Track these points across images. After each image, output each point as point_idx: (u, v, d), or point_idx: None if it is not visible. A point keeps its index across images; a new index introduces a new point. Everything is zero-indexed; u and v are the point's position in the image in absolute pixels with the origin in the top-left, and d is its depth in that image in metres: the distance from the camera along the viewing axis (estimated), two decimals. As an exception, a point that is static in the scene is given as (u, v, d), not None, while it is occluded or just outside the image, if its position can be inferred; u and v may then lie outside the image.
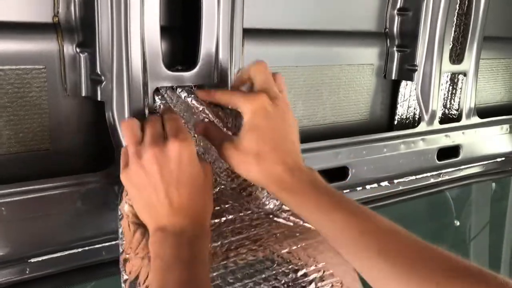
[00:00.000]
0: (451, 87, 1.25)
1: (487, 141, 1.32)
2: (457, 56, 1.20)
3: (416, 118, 1.19)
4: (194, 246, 0.62)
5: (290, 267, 0.76)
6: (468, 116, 1.25)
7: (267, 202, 0.78)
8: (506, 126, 1.35)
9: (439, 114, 1.19)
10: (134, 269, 0.67)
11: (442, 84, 1.19)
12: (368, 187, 1.12)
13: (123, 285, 0.68)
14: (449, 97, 1.25)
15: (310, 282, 0.76)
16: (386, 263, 0.59)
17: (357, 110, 1.14)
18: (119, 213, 0.68)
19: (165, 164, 0.62)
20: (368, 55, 1.13)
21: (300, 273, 0.76)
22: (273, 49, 0.97)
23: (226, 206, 0.75)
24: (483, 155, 1.34)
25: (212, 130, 0.71)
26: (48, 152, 0.76)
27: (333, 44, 1.07)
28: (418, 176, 1.21)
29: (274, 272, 0.75)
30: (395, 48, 1.14)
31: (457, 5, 1.16)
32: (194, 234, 0.63)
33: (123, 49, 0.69)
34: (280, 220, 0.79)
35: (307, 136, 1.05)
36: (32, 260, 0.71)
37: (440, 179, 1.28)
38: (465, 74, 1.21)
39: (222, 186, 0.76)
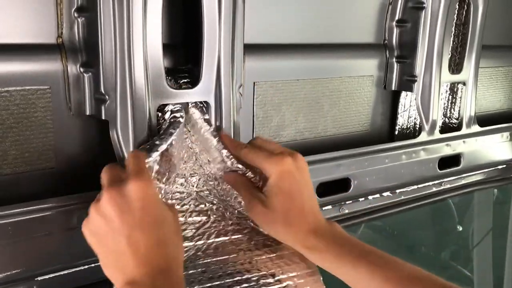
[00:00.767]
0: (450, 97, 1.26)
1: (488, 149, 1.33)
2: (456, 66, 1.21)
3: (417, 128, 1.20)
4: None
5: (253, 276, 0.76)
6: (468, 125, 1.26)
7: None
8: (506, 134, 1.36)
9: (439, 123, 1.20)
10: None
11: (441, 94, 1.20)
12: (370, 197, 1.13)
13: None
14: (449, 106, 1.26)
15: None
16: None
17: (358, 121, 1.15)
18: None
19: (124, 206, 0.57)
20: (367, 67, 1.14)
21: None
22: (274, 64, 0.98)
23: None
24: (484, 163, 1.35)
25: (244, 184, 0.73)
26: (53, 171, 0.77)
27: (333, 57, 1.08)
28: (420, 186, 1.22)
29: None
30: (394, 59, 1.15)
31: (455, 15, 1.17)
32: (169, 283, 0.57)
33: (127, 68, 0.70)
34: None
35: (308, 148, 1.06)
36: (40, 278, 0.72)
37: (442, 187, 1.29)
38: (464, 83, 1.22)
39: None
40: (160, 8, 0.70)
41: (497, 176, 1.44)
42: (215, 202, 0.78)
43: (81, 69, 0.74)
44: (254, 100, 0.96)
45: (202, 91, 0.78)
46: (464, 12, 1.19)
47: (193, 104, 0.77)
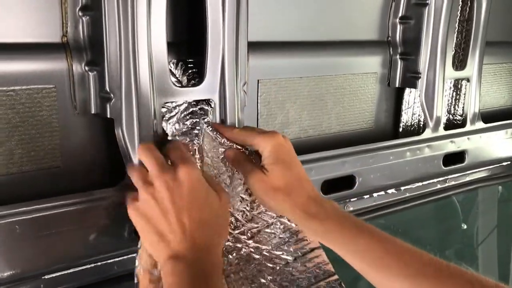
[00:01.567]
0: (454, 93, 1.25)
1: (492, 145, 1.33)
2: (460, 62, 1.21)
3: (421, 125, 1.20)
4: (208, 275, 0.61)
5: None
6: (472, 122, 1.25)
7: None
8: (510, 130, 1.35)
9: (443, 120, 1.19)
10: None
11: (445, 90, 1.20)
12: (375, 195, 1.13)
13: None
14: (453, 103, 1.26)
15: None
16: (406, 281, 0.63)
17: (362, 118, 1.15)
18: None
19: (176, 190, 0.63)
20: (371, 64, 1.14)
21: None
22: (278, 61, 0.98)
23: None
24: (489, 160, 1.34)
25: (243, 159, 0.76)
26: (59, 169, 0.77)
27: (336, 54, 1.08)
28: (424, 183, 1.22)
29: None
30: (398, 56, 1.15)
31: (459, 11, 1.17)
32: (209, 261, 0.63)
33: (131, 66, 0.70)
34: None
35: (313, 146, 1.06)
36: (47, 276, 0.72)
37: (446, 184, 1.29)
38: (468, 80, 1.22)
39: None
40: (164, 6, 0.70)
41: (502, 173, 1.44)
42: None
43: (86, 68, 0.74)
44: (258, 98, 0.96)
45: (207, 89, 0.78)
46: (468, 9, 1.19)
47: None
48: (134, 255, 0.69)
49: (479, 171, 1.35)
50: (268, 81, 0.97)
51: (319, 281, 0.76)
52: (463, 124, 1.25)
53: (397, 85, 1.16)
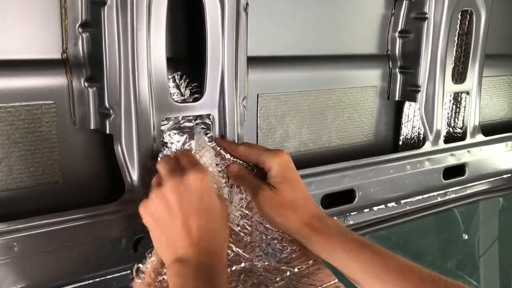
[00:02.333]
0: (454, 106, 1.25)
1: (493, 158, 1.33)
2: (459, 76, 1.21)
3: (421, 138, 1.20)
4: (213, 278, 0.62)
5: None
6: (472, 135, 1.25)
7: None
8: (511, 143, 1.35)
9: (443, 133, 1.19)
10: None
11: (445, 103, 1.20)
12: (375, 208, 1.12)
13: None
14: (453, 116, 1.26)
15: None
16: None
17: (362, 132, 1.15)
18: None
19: (185, 194, 0.64)
20: (371, 78, 1.14)
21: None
22: (277, 76, 0.99)
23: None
24: (489, 173, 1.34)
25: (247, 175, 0.77)
26: (59, 185, 0.77)
27: (336, 68, 1.08)
28: (425, 196, 1.22)
29: None
30: (397, 70, 1.15)
31: (458, 25, 1.17)
32: (213, 265, 0.64)
33: (131, 82, 0.70)
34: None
35: (313, 159, 1.06)
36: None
37: (447, 197, 1.28)
38: (468, 93, 1.22)
39: None
40: (164, 22, 0.71)
41: (502, 185, 1.43)
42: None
43: (86, 84, 0.74)
44: (258, 112, 0.97)
45: (206, 104, 0.78)
46: (467, 22, 1.19)
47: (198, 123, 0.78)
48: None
49: (479, 183, 1.35)
50: (268, 96, 0.97)
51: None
52: (463, 137, 1.25)
53: (396, 99, 1.16)
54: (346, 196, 1.06)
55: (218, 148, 0.78)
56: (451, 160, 1.21)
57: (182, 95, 0.79)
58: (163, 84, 0.73)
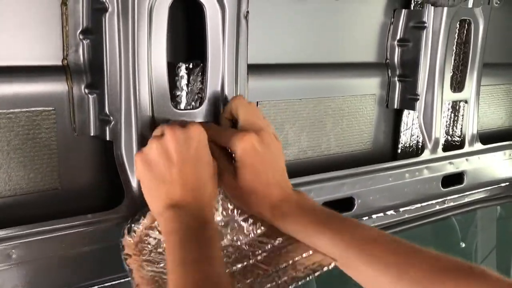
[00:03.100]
0: (453, 115, 1.26)
1: (491, 167, 1.33)
2: (458, 84, 1.22)
3: (420, 146, 1.20)
4: (205, 226, 0.63)
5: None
6: (471, 143, 1.26)
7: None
8: (509, 152, 1.35)
9: (442, 141, 1.20)
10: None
11: (444, 112, 1.21)
12: (374, 216, 1.12)
13: None
14: (451, 124, 1.26)
15: None
16: (375, 269, 0.62)
17: (361, 140, 1.15)
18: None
19: (184, 142, 0.65)
20: (370, 86, 1.14)
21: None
22: (277, 83, 0.99)
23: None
24: (487, 181, 1.34)
25: (220, 155, 0.72)
26: (58, 191, 0.77)
27: (335, 76, 1.08)
28: (423, 204, 1.22)
29: None
30: (396, 78, 1.16)
31: (456, 34, 1.18)
32: (205, 214, 0.65)
33: (131, 89, 0.70)
34: None
35: (312, 167, 1.06)
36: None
37: (445, 205, 1.28)
38: (466, 101, 1.23)
39: None
40: (165, 29, 0.71)
41: (500, 194, 1.43)
42: None
43: (86, 90, 0.74)
44: (258, 119, 0.96)
45: (207, 112, 0.78)
46: (465, 31, 1.20)
47: None
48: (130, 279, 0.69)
49: (477, 192, 1.35)
50: (268, 103, 0.97)
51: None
52: (461, 145, 1.25)
53: (395, 107, 1.17)
54: (345, 204, 1.06)
55: None
56: (449, 168, 1.22)
57: (189, 85, 0.77)
58: (164, 91, 0.73)
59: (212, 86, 0.78)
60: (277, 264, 0.73)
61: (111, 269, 0.75)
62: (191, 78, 0.77)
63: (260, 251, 0.74)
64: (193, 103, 0.79)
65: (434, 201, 1.24)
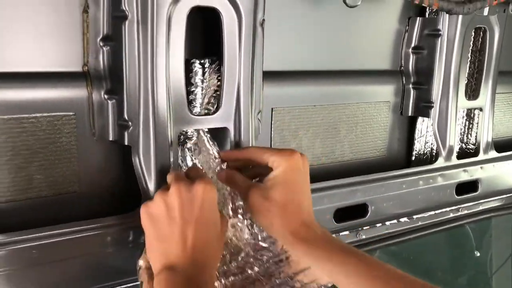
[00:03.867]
0: (467, 122, 1.26)
1: (506, 175, 1.32)
2: (472, 92, 1.22)
3: (434, 154, 1.20)
4: None
5: None
6: (485, 151, 1.25)
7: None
8: (524, 160, 1.35)
9: (456, 149, 1.20)
10: None
11: (458, 120, 1.21)
12: (388, 223, 1.13)
13: None
14: (466, 132, 1.26)
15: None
16: None
17: (375, 146, 1.15)
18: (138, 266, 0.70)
19: (187, 202, 0.64)
20: (384, 93, 1.15)
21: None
22: (292, 90, 1.00)
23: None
24: (502, 189, 1.34)
25: (237, 176, 0.74)
26: (76, 194, 0.78)
27: (349, 83, 1.09)
28: (437, 211, 1.22)
29: None
30: (411, 86, 1.16)
31: (471, 42, 1.18)
32: (202, 278, 0.63)
33: (150, 95, 0.72)
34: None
35: (325, 173, 1.07)
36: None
37: (459, 213, 1.28)
38: (481, 109, 1.23)
39: None
40: (183, 37, 0.72)
41: (515, 202, 1.42)
42: None
43: (105, 96, 0.76)
44: (272, 125, 0.98)
45: (222, 117, 0.79)
46: (480, 39, 1.20)
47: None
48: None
49: (492, 200, 1.34)
50: (282, 109, 0.99)
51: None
52: (476, 153, 1.25)
53: (410, 114, 1.17)
54: (359, 210, 1.06)
55: (215, 151, 0.78)
56: (463, 176, 1.21)
57: (204, 81, 0.78)
58: (181, 97, 0.75)
59: (228, 93, 0.79)
60: (275, 277, 0.75)
61: (126, 271, 0.77)
62: (206, 73, 0.78)
63: (260, 263, 0.75)
64: (209, 107, 0.80)
65: (448, 209, 1.24)
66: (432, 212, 1.21)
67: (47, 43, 0.73)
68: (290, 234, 0.70)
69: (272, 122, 0.98)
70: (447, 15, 1.09)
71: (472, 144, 1.26)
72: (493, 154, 1.27)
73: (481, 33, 1.19)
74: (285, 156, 0.71)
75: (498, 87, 1.24)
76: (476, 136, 1.25)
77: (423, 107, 1.15)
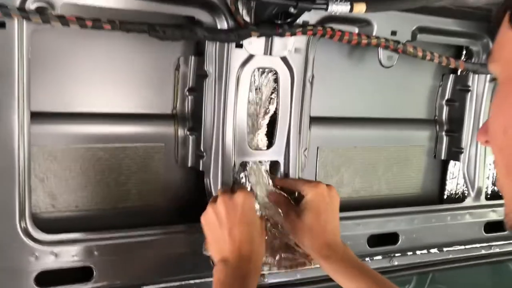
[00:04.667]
0: (499, 167, 1.39)
1: (537, 218, 1.42)
2: (502, 140, 1.35)
3: (465, 194, 1.34)
4: (247, 279, 0.81)
5: None
6: (515, 194, 1.37)
7: None
8: (556, 205, 1.44)
9: (488, 190, 1.33)
10: None
11: (490, 164, 1.35)
12: (418, 252, 1.27)
13: None
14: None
15: None
16: None
17: (410, 185, 1.32)
18: None
19: (231, 208, 0.83)
20: (420, 138, 1.32)
21: None
22: (335, 132, 1.20)
23: None
24: (534, 231, 1.43)
25: (282, 199, 0.96)
26: (160, 207, 1.02)
27: (388, 128, 1.27)
28: (467, 246, 1.34)
29: None
30: (444, 133, 1.33)
31: (501, 96, 1.33)
32: (249, 269, 0.82)
33: (220, 134, 0.95)
34: None
35: (363, 205, 1.24)
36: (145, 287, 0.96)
37: (491, 251, 1.39)
38: (511, 156, 1.36)
39: None
40: (247, 90, 0.95)
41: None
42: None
43: (188, 132, 1.00)
44: (317, 161, 1.18)
45: (275, 152, 1.01)
46: (510, 94, 1.34)
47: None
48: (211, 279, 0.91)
49: (524, 240, 1.44)
50: (326, 148, 1.19)
51: None
52: (506, 196, 1.37)
53: (442, 158, 1.33)
54: (391, 238, 1.22)
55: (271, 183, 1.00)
56: (492, 215, 1.34)
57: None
58: (243, 135, 0.97)
59: (281, 133, 1.01)
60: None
61: (193, 269, 0.98)
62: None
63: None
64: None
65: (478, 245, 1.36)
66: (462, 247, 1.33)
67: (147, 92, 0.99)
68: (315, 251, 0.90)
69: (318, 158, 1.18)
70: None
71: (503, 188, 1.38)
72: (524, 198, 1.38)
73: (510, 89, 1.33)
74: (312, 186, 0.92)
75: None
76: (507, 181, 1.37)
77: (454, 152, 1.31)
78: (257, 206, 0.97)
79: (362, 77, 1.22)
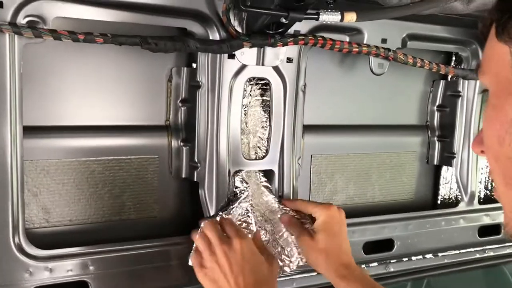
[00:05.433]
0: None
1: (530, 220, 1.43)
2: (493, 145, 1.37)
3: (459, 199, 1.35)
4: None
5: None
6: (507, 198, 1.38)
7: None
8: (548, 207, 1.46)
9: (481, 194, 1.34)
10: None
11: (482, 168, 1.36)
12: (413, 258, 1.27)
13: None
14: (490, 179, 1.40)
15: None
16: None
17: (403, 190, 1.33)
18: None
19: (233, 258, 0.82)
20: (412, 144, 1.33)
21: None
22: (328, 140, 1.21)
23: None
24: (527, 234, 1.44)
25: (295, 222, 0.97)
26: (155, 219, 1.02)
27: (380, 135, 1.29)
28: (462, 251, 1.35)
29: None
30: (435, 138, 1.34)
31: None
32: None
33: (214, 144, 0.95)
34: None
35: (357, 211, 1.25)
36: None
37: (485, 254, 1.40)
38: (502, 160, 1.37)
39: None
40: (240, 101, 0.96)
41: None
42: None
43: (181, 144, 1.00)
44: (311, 169, 1.18)
45: (269, 162, 1.01)
46: (500, 99, 1.36)
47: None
48: None
49: (517, 243, 1.45)
50: (320, 156, 1.19)
51: None
52: (499, 199, 1.38)
53: (435, 163, 1.34)
54: (386, 244, 1.23)
55: (273, 197, 1.00)
56: (485, 219, 1.35)
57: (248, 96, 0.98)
58: (237, 145, 0.97)
59: (274, 142, 1.01)
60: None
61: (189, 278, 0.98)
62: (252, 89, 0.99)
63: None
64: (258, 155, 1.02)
65: (472, 249, 1.37)
66: (457, 251, 1.34)
67: (139, 104, 0.99)
68: (332, 272, 0.92)
69: (312, 166, 1.18)
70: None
71: (496, 191, 1.40)
72: (516, 201, 1.40)
73: (500, 93, 1.35)
74: (323, 208, 0.94)
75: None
76: (499, 184, 1.39)
77: (447, 157, 1.32)
78: (252, 220, 0.97)
79: (353, 84, 1.23)
